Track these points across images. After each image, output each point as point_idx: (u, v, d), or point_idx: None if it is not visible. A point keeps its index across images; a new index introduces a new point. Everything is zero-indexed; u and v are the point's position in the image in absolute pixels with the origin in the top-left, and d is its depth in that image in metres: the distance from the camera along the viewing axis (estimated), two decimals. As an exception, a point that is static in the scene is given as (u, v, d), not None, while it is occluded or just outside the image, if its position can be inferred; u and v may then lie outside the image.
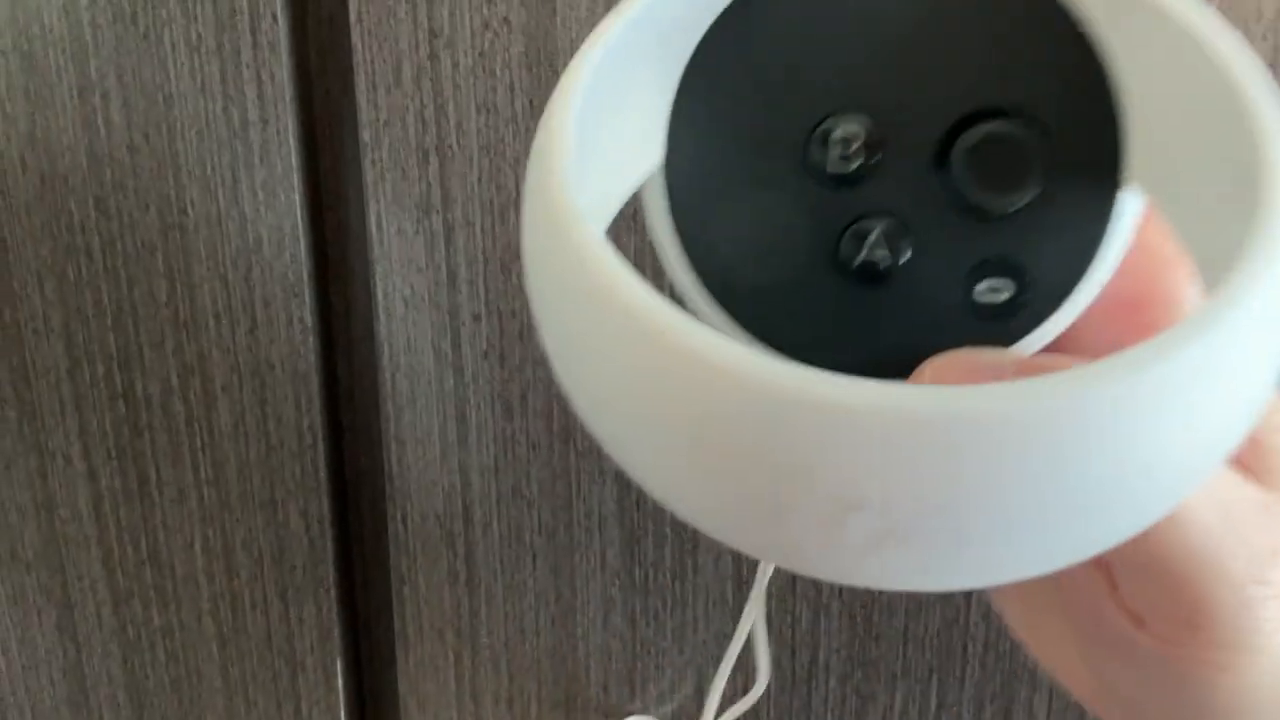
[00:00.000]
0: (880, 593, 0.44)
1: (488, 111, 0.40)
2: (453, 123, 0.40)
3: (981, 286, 0.19)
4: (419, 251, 0.42)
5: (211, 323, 0.43)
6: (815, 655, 0.45)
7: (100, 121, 0.41)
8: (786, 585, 0.44)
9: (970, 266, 0.19)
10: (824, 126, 0.19)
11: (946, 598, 0.44)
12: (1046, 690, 0.44)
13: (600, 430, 0.17)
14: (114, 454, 0.45)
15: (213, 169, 0.41)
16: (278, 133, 0.41)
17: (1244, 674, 0.21)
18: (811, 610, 0.44)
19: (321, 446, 0.45)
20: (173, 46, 0.40)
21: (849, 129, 0.19)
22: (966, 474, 0.13)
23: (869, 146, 0.19)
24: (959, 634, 0.44)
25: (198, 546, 0.46)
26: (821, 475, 0.14)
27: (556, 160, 0.16)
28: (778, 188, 0.19)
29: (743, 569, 0.44)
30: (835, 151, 0.19)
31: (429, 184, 0.41)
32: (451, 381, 0.43)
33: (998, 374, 0.18)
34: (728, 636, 0.45)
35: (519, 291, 0.42)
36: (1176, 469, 0.15)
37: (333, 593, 0.47)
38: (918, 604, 0.44)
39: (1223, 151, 0.16)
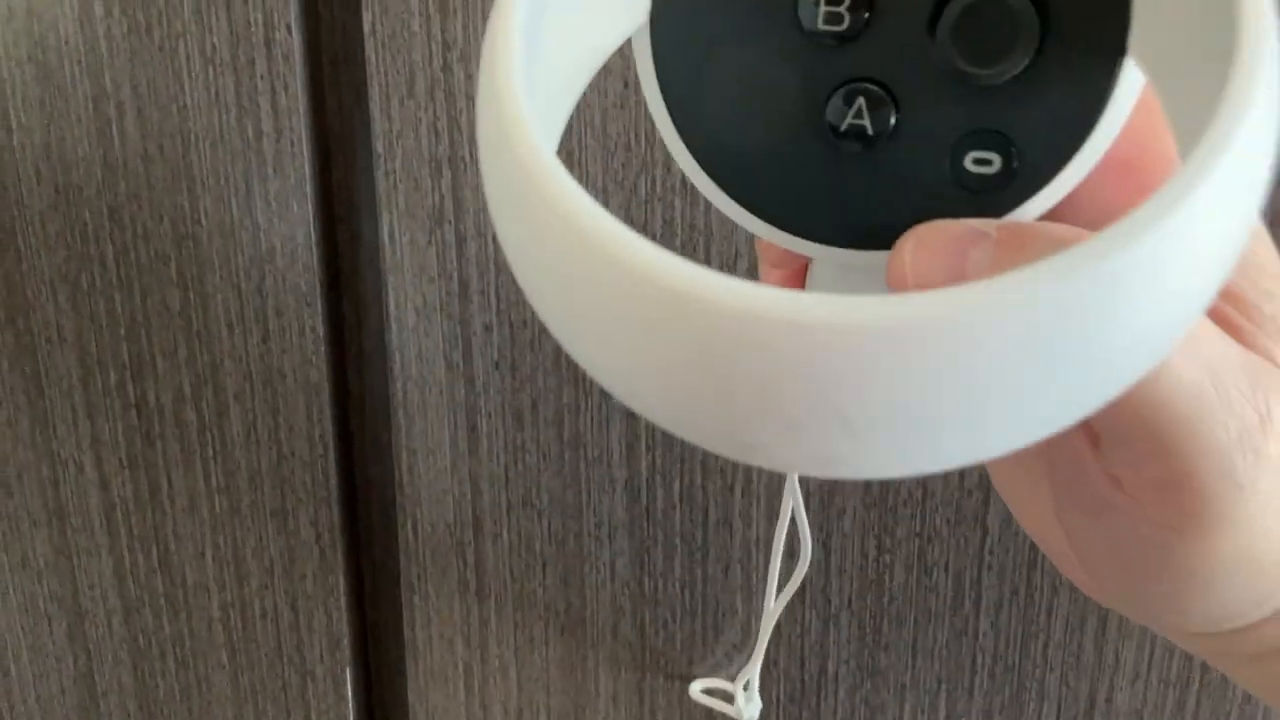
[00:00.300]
0: (889, 604, 0.44)
1: (500, 123, 0.40)
2: (465, 134, 0.40)
3: (970, 157, 0.19)
4: (431, 262, 0.42)
5: (224, 332, 0.43)
6: (824, 666, 0.45)
7: (115, 132, 0.42)
8: (796, 596, 0.44)
9: (958, 136, 0.19)
10: None
11: (955, 613, 0.44)
12: (1055, 701, 0.44)
13: (559, 335, 0.17)
14: (126, 463, 0.46)
15: (226, 179, 0.42)
16: (291, 144, 0.41)
17: (1216, 543, 0.21)
18: (821, 621, 0.44)
19: (332, 455, 0.45)
20: (187, 58, 0.41)
21: None
22: (915, 382, 0.13)
23: (858, 5, 0.18)
24: (968, 645, 0.44)
25: (208, 555, 0.47)
26: (770, 388, 0.14)
27: (503, 64, 0.16)
28: (765, 46, 0.19)
29: (752, 580, 0.44)
30: (825, 9, 0.18)
31: (441, 195, 0.41)
32: (462, 391, 0.43)
33: (978, 242, 0.18)
34: (737, 647, 0.46)
35: (528, 302, 0.42)
36: (1145, 341, 0.15)
37: (343, 601, 0.47)
38: (927, 615, 0.44)
39: (1209, 24, 0.15)
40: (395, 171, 0.41)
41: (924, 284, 0.18)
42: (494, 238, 0.42)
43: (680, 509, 0.44)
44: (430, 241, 0.42)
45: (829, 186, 0.19)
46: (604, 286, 0.14)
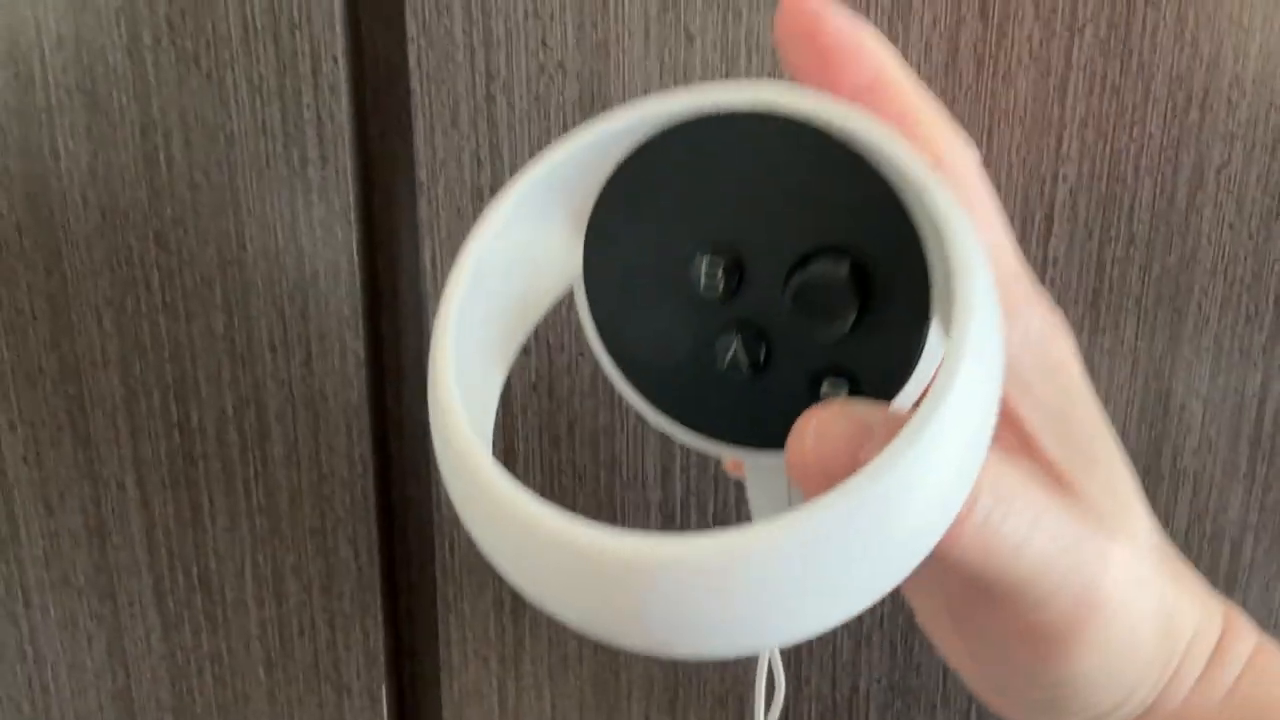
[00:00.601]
0: (920, 623, 0.45)
1: (542, 152, 0.41)
2: (507, 163, 0.41)
3: (826, 383, 0.24)
4: (471, 287, 0.43)
5: (267, 355, 0.44)
6: (856, 684, 0.46)
7: (162, 159, 0.43)
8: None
9: (815, 370, 0.24)
10: (697, 256, 0.24)
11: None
12: None
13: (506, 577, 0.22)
14: (167, 482, 0.46)
15: (271, 206, 0.42)
16: (336, 172, 0.42)
17: (1077, 662, 0.25)
18: (853, 640, 0.45)
19: (371, 476, 0.46)
20: (235, 87, 0.41)
21: (715, 259, 0.24)
22: (723, 600, 0.19)
23: (729, 273, 0.24)
24: (997, 664, 0.45)
25: (248, 573, 0.47)
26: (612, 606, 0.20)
27: (441, 377, 0.22)
28: (669, 299, 0.24)
29: (784, 599, 0.45)
30: (706, 278, 0.24)
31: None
32: (500, 413, 0.44)
33: (868, 438, 0.22)
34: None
35: (566, 325, 0.43)
36: (904, 546, 0.21)
37: (379, 619, 0.47)
38: (957, 635, 0.44)
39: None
40: (438, 199, 0.42)
41: (828, 468, 0.22)
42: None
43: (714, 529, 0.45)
44: (471, 267, 0.42)
45: (726, 402, 0.25)
46: (523, 546, 0.21)
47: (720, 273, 0.24)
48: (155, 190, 0.43)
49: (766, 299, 0.24)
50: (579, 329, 0.43)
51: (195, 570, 0.48)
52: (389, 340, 0.45)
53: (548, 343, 0.43)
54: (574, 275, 0.25)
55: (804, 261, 0.23)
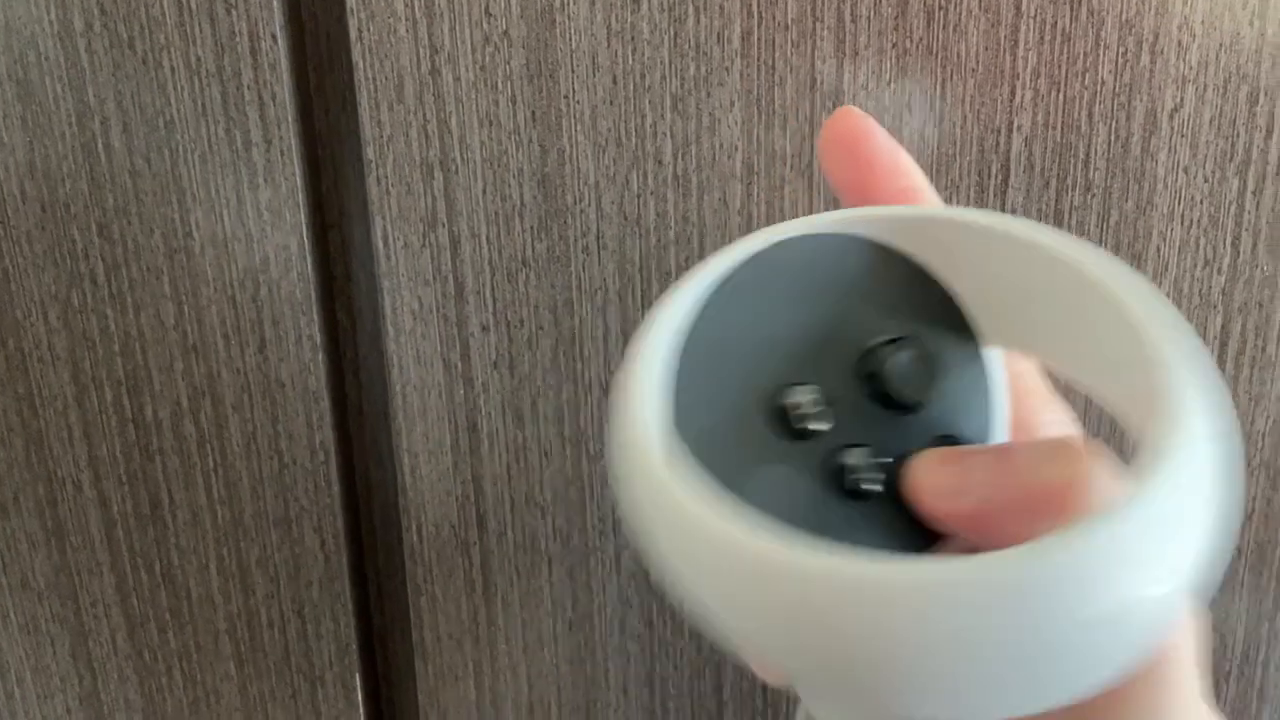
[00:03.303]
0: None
1: (491, 125, 0.40)
2: (455, 137, 0.40)
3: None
4: (425, 265, 0.42)
5: (220, 344, 0.43)
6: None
7: (100, 148, 0.41)
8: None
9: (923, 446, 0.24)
10: (783, 395, 0.23)
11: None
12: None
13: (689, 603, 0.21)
14: (125, 479, 0.45)
15: (216, 191, 0.41)
16: (281, 153, 0.41)
17: None
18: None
19: (334, 462, 0.45)
20: (172, 70, 0.40)
21: (803, 388, 0.23)
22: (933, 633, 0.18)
23: (819, 404, 0.23)
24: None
25: (213, 567, 0.46)
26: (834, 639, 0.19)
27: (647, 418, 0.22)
28: (764, 443, 0.23)
29: (757, 565, 0.45)
30: (796, 412, 0.23)
31: (434, 198, 0.41)
32: (462, 392, 0.43)
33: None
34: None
35: (526, 300, 0.42)
36: (1132, 621, 0.19)
37: (349, 607, 0.47)
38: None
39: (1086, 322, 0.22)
40: (387, 177, 0.41)
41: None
42: (488, 239, 0.42)
43: (683, 499, 0.44)
44: (424, 245, 0.42)
45: (868, 527, 0.24)
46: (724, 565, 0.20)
47: (814, 399, 0.23)
48: (95, 180, 0.42)
49: (856, 406, 0.24)
50: (539, 305, 0.42)
51: (158, 567, 0.47)
52: (345, 323, 0.45)
53: (507, 319, 0.42)
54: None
55: (869, 360, 0.24)
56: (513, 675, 0.47)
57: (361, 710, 0.48)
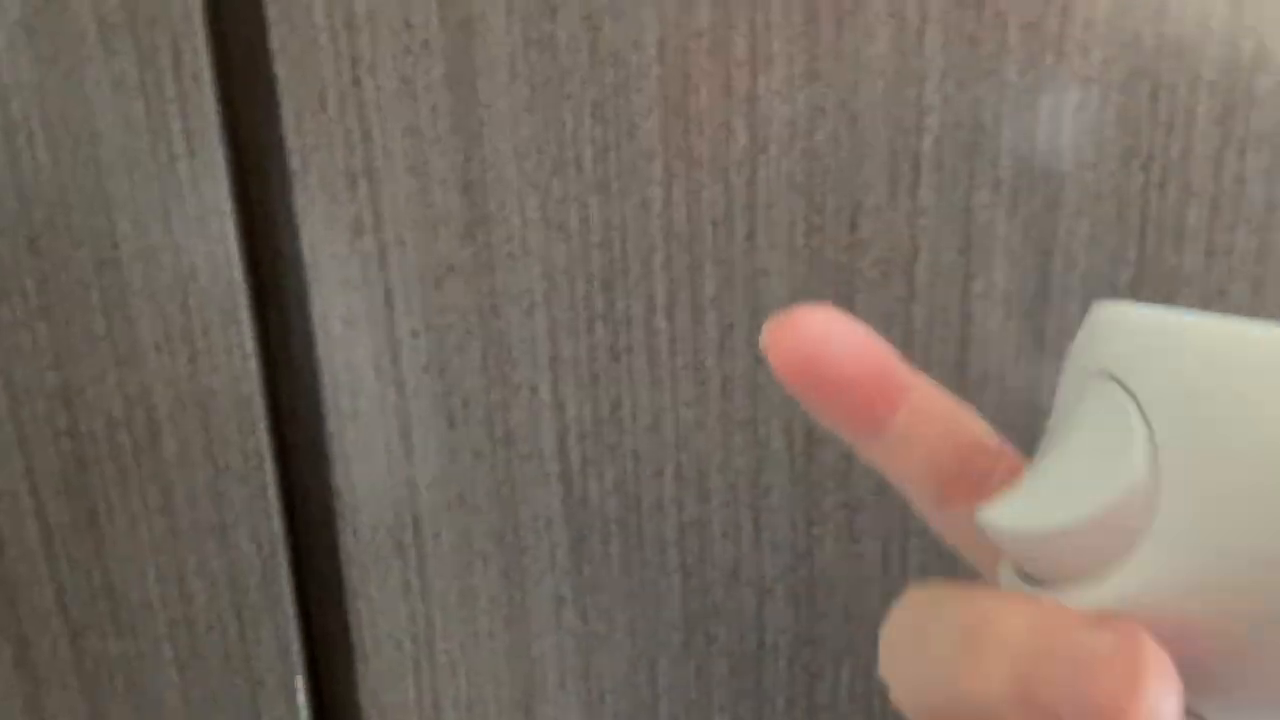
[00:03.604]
0: (823, 573, 0.45)
1: (413, 134, 0.41)
2: (378, 146, 0.41)
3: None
4: (353, 272, 0.43)
5: (152, 354, 0.44)
6: (763, 639, 0.47)
7: (27, 162, 0.42)
8: (730, 574, 0.45)
9: None
10: None
11: (886, 577, 0.45)
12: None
13: None
14: (62, 490, 0.46)
15: (143, 203, 0.42)
16: (206, 164, 0.41)
17: None
18: (756, 596, 0.46)
19: (268, 468, 0.45)
20: (96, 84, 0.41)
21: None
22: None
23: None
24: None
25: (151, 575, 0.47)
26: None
27: None
28: None
29: (686, 560, 0.46)
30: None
31: (360, 206, 0.42)
32: (393, 397, 0.44)
33: None
34: (676, 627, 0.47)
35: (454, 306, 0.43)
36: None
37: (288, 611, 0.47)
38: (859, 581, 0.46)
39: None
40: (312, 186, 0.41)
41: None
42: (414, 245, 0.42)
43: (613, 498, 0.45)
44: (352, 252, 0.42)
45: None
46: None
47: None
48: (23, 196, 0.42)
49: None
50: (467, 310, 0.43)
51: (97, 576, 0.47)
52: (276, 331, 0.45)
53: (435, 324, 0.43)
54: None
55: None
56: (452, 673, 0.48)
57: (304, 712, 0.49)
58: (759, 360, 0.43)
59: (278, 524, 0.46)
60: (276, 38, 0.40)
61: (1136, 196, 0.41)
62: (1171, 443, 0.16)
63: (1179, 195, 0.41)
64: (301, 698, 0.49)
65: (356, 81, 0.40)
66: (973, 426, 0.21)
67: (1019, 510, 0.18)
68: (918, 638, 0.19)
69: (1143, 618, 0.17)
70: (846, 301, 0.43)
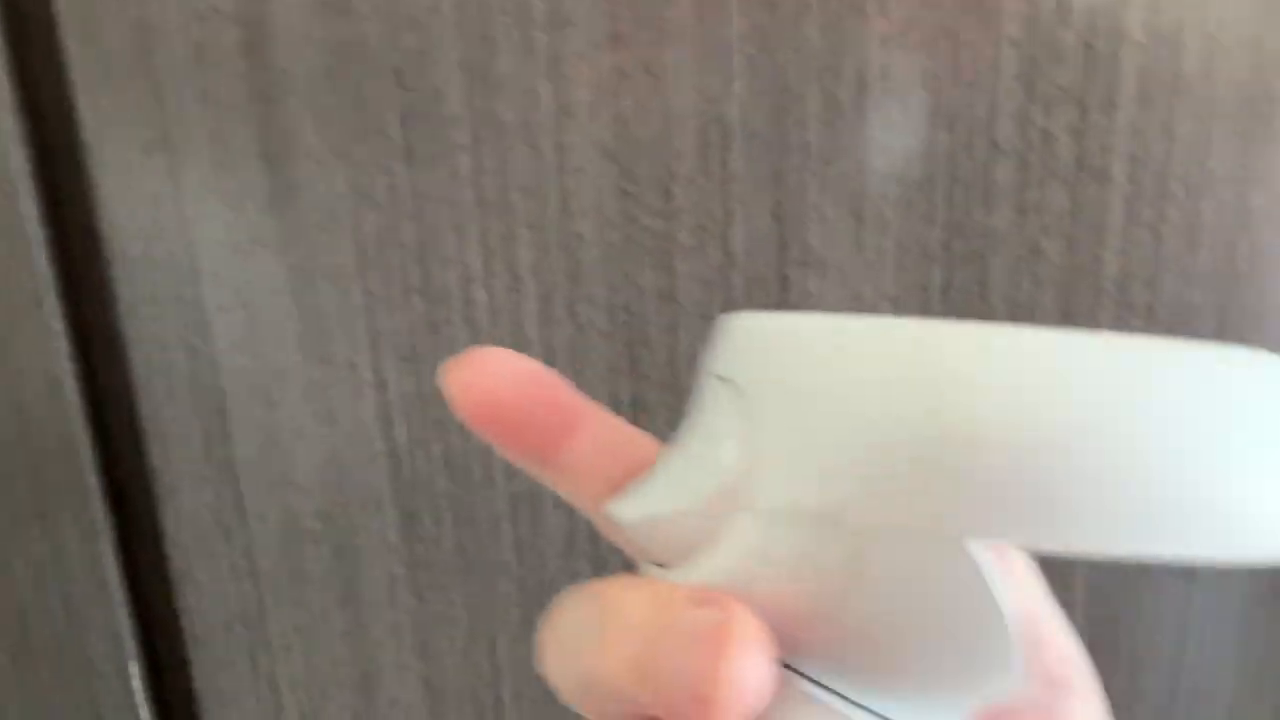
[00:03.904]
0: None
1: (209, 102, 0.40)
2: (174, 116, 0.40)
3: None
4: (156, 248, 0.42)
5: (-46, 336, 0.43)
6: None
7: None
8: (564, 546, 0.45)
9: None
10: None
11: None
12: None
13: None
14: (-128, 478, 0.45)
15: (-64, 180, 0.41)
16: (1, 135, 0.40)
17: None
18: (592, 567, 0.45)
19: (85, 453, 0.44)
20: (-121, 58, 0.39)
21: None
22: None
23: None
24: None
25: (-29, 563, 0.46)
26: None
27: None
28: None
29: (519, 533, 0.45)
30: None
31: (158, 179, 0.41)
32: (207, 376, 0.43)
33: None
34: (515, 604, 0.46)
35: (263, 282, 0.42)
36: None
37: (117, 597, 0.46)
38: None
39: None
40: (107, 161, 0.40)
41: None
42: (221, 219, 0.41)
43: (443, 473, 0.45)
44: (154, 227, 0.41)
45: None
46: None
47: None
48: None
49: None
50: (275, 284, 0.42)
51: (-83, 565, 0.46)
52: (86, 311, 0.44)
53: (244, 301, 0.42)
54: None
55: None
56: (287, 654, 0.47)
57: (140, 699, 0.48)
58: (580, 328, 0.43)
59: (99, 508, 0.45)
60: (59, 6, 0.39)
61: (942, 158, 0.41)
62: (767, 428, 0.18)
63: (985, 154, 0.41)
64: (137, 683, 0.48)
65: (148, 50, 0.39)
66: (644, 446, 0.22)
67: (634, 502, 0.20)
68: (558, 630, 0.20)
69: (744, 590, 0.18)
70: (666, 270, 0.42)
